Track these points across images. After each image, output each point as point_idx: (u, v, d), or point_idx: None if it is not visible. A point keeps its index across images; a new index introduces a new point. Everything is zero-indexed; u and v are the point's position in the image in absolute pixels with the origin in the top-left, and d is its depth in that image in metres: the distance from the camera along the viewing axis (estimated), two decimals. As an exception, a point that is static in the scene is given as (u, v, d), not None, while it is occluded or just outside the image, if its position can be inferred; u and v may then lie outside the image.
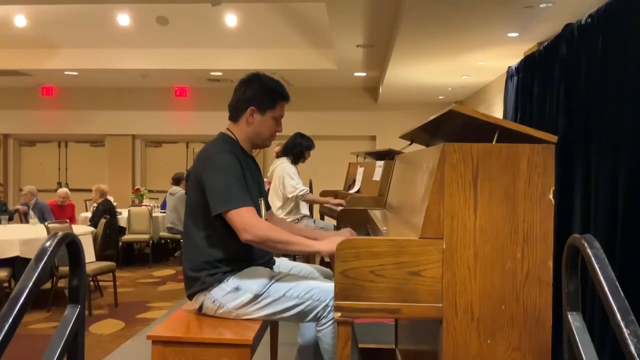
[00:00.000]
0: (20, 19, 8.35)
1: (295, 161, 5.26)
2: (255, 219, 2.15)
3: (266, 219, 2.43)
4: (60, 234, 1.24)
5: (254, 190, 2.34)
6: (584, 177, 3.32)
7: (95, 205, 7.55)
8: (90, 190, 7.94)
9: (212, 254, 2.22)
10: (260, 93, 2.33)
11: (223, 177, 2.17)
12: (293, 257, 6.26)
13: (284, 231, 2.22)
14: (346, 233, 2.41)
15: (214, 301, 2.23)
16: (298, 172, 5.27)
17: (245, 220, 2.11)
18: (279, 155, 5.44)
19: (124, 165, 11.58)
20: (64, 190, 7.99)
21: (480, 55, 6.56)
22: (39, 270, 1.12)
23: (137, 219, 7.77)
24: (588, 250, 1.20)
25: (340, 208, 4.94)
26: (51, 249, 1.19)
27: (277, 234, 2.15)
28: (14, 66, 9.29)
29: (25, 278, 1.11)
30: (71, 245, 1.31)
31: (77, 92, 11.35)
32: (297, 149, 5.23)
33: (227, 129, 2.41)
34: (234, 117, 2.39)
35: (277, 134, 2.43)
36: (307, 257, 5.37)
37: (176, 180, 8.10)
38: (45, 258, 1.16)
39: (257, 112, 2.34)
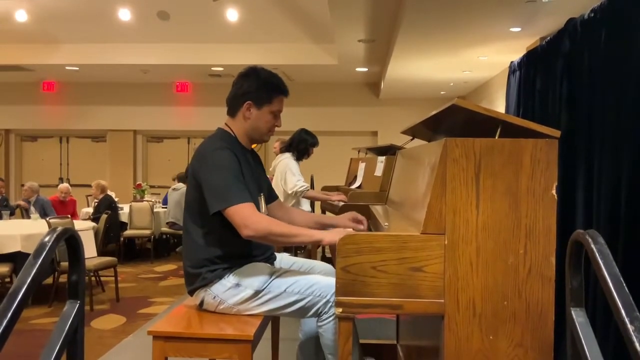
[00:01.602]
0: (21, 14, 8.33)
1: (299, 157, 5.24)
2: (256, 215, 2.13)
3: (267, 214, 2.43)
4: (59, 229, 1.23)
5: (253, 185, 2.32)
6: (587, 173, 3.30)
7: (96, 201, 7.55)
8: (91, 186, 7.94)
9: (212, 250, 2.22)
10: (257, 87, 2.31)
11: (220, 175, 2.15)
12: (294, 252, 6.27)
13: (286, 224, 2.21)
14: (349, 216, 2.42)
15: (214, 297, 2.22)
16: (300, 168, 5.25)
17: (245, 217, 2.09)
18: (282, 150, 5.42)
19: (125, 160, 11.58)
20: (65, 185, 7.99)
21: (483, 50, 6.54)
22: (37, 265, 1.11)
23: (138, 215, 7.77)
24: (592, 245, 1.19)
25: (341, 203, 4.93)
26: (50, 244, 1.18)
27: (277, 227, 2.13)
28: (15, 61, 9.29)
29: (23, 273, 1.11)
30: (70, 240, 1.30)
31: (79, 87, 11.34)
32: (302, 145, 5.21)
33: (225, 124, 2.40)
34: (232, 111, 2.37)
35: (277, 129, 2.42)
36: (309, 253, 5.38)
37: (179, 179, 8.07)
38: (44, 253, 1.15)
39: (254, 106, 2.31)
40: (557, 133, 1.78)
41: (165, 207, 8.25)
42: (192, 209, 2.27)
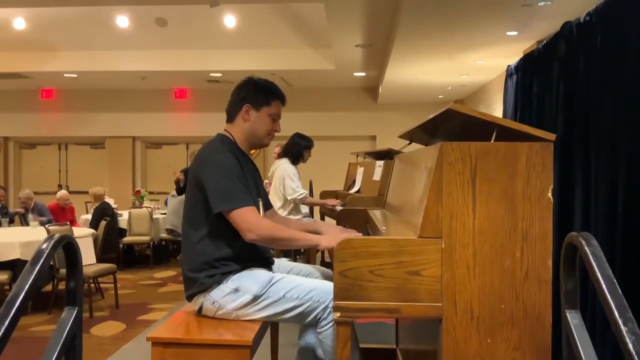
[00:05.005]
0: (19, 22, 8.34)
1: (294, 162, 5.27)
2: (258, 219, 2.19)
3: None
4: (56, 236, 1.23)
5: (254, 189, 2.35)
6: (584, 176, 3.31)
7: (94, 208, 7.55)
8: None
9: (211, 254, 2.22)
10: (254, 91, 2.37)
11: (224, 177, 2.18)
12: (294, 258, 6.27)
13: (286, 228, 2.32)
14: (352, 233, 2.42)
15: (213, 302, 2.22)
16: (298, 173, 5.27)
17: (249, 220, 2.15)
18: (280, 156, 5.45)
19: (124, 167, 11.58)
20: (64, 192, 8.00)
21: (480, 54, 6.56)
22: (35, 273, 1.12)
23: (137, 221, 7.76)
24: (586, 248, 1.20)
25: (339, 207, 4.95)
26: (47, 251, 1.19)
27: (280, 232, 2.22)
28: (13, 69, 9.29)
29: (21, 280, 1.11)
30: (68, 247, 1.30)
31: (77, 94, 11.35)
32: (296, 149, 5.25)
33: (225, 130, 2.42)
34: (231, 117, 2.42)
35: (277, 134, 2.45)
36: (308, 258, 5.38)
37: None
38: (42, 261, 1.15)
39: (252, 108, 2.36)
40: (552, 136, 1.79)
41: (165, 214, 8.24)
42: (192, 212, 2.29)
